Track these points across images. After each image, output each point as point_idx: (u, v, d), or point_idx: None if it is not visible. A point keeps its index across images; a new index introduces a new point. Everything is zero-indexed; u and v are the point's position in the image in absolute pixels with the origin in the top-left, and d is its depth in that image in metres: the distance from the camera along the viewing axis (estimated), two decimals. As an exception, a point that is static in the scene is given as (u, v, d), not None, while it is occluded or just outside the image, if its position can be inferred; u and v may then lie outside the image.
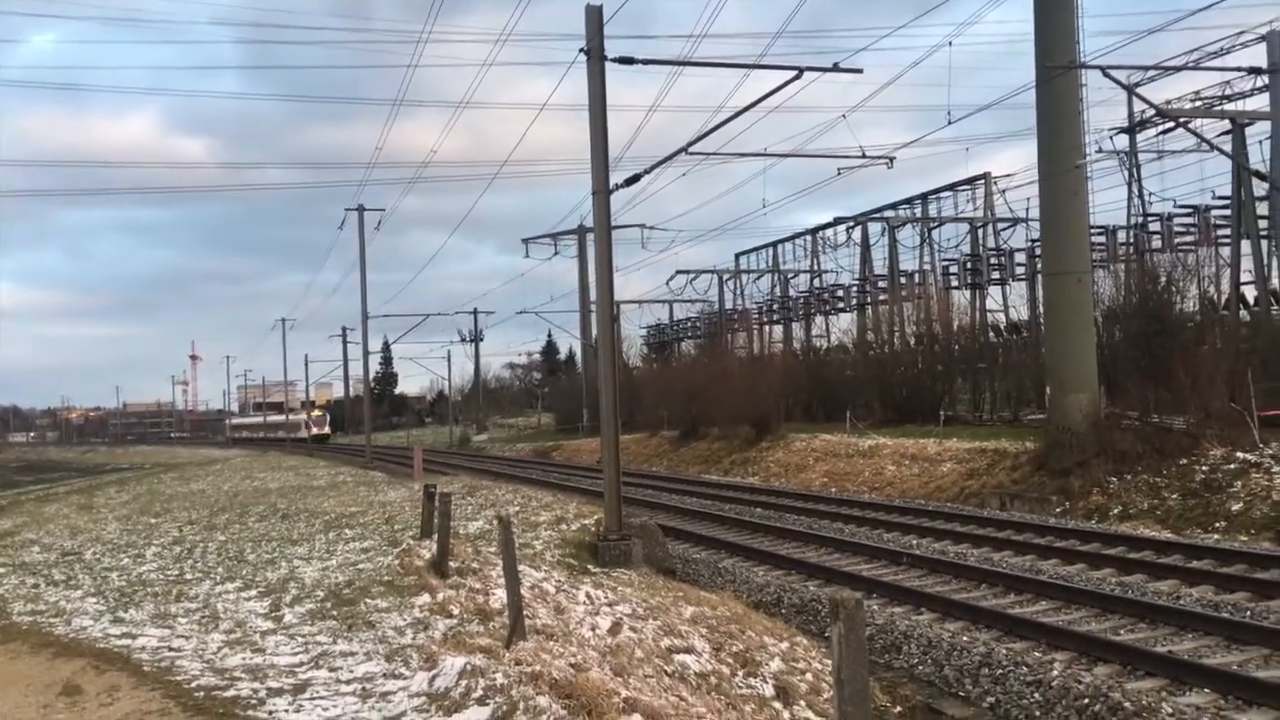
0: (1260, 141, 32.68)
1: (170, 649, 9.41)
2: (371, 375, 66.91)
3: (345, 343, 68.18)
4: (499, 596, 10.69)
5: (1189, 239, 41.25)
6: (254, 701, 7.58)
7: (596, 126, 16.80)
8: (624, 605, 12.00)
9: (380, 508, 22.75)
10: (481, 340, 74.08)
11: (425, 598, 11.29)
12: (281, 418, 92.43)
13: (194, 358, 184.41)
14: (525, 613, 9.68)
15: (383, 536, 17.42)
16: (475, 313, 71.53)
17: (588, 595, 12.26)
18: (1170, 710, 8.40)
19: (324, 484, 33.29)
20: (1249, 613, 11.62)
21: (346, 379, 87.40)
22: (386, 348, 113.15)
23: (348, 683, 8.08)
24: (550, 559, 15.27)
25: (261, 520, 21.83)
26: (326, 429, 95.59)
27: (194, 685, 8.01)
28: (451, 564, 13.04)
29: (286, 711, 7.31)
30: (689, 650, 10.34)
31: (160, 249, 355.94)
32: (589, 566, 15.29)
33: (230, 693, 7.85)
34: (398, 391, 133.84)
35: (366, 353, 49.42)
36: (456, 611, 10.60)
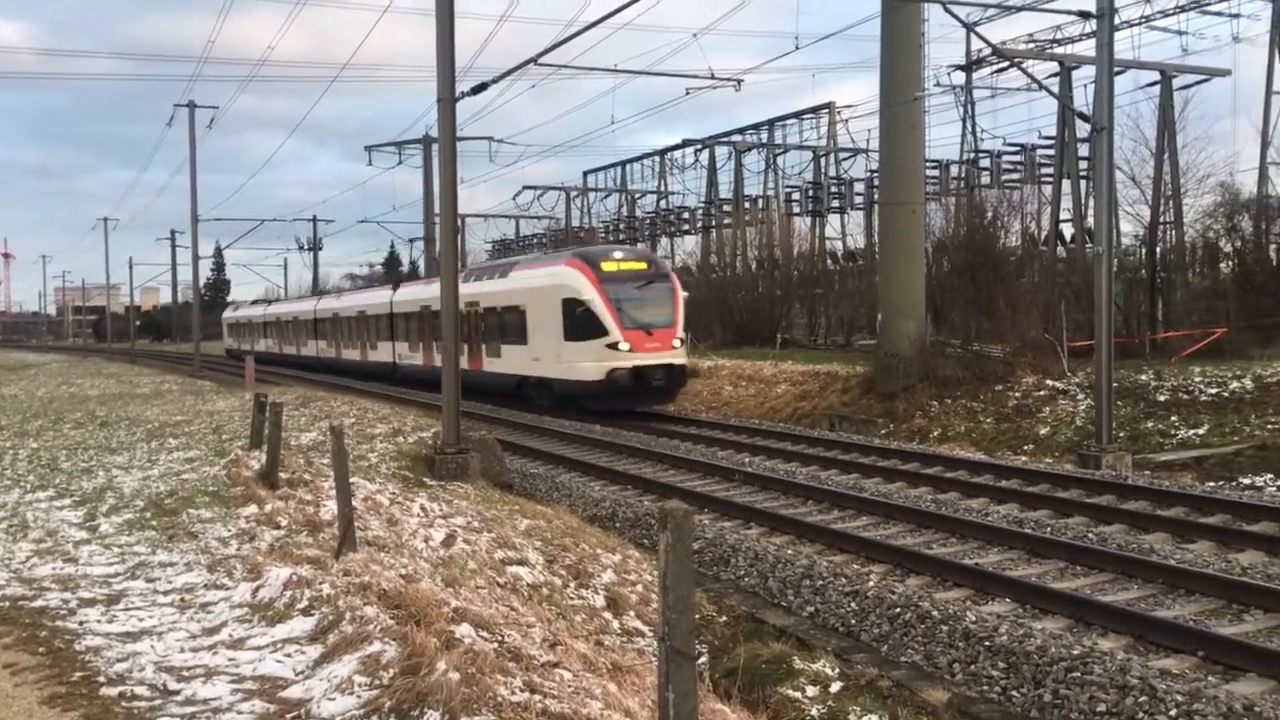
0: (1085, 85, 34.26)
1: (-27, 559, 8.94)
2: (202, 281, 64.09)
3: (174, 246, 64.85)
4: (330, 508, 10.53)
5: (1015, 176, 43.07)
6: (64, 612, 7.30)
7: (443, 29, 16.26)
8: (459, 518, 11.98)
9: (208, 417, 22.02)
10: (320, 249, 71.61)
11: (253, 508, 11.03)
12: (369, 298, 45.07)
13: (6, 255, 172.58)
14: (357, 524, 9.55)
15: (209, 446, 16.89)
16: (314, 220, 68.86)
17: (422, 508, 12.19)
18: (974, 618, 8.93)
19: (148, 392, 31.95)
20: (1049, 529, 12.41)
21: (175, 284, 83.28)
22: (219, 253, 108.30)
23: (166, 593, 7.85)
24: (385, 471, 15.09)
25: (78, 428, 20.84)
26: None
27: (-2, 596, 7.65)
28: (282, 475, 12.75)
29: (99, 622, 7.06)
30: (522, 562, 10.42)
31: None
32: (425, 479, 15.18)
33: (38, 603, 7.54)
34: (230, 299, 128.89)
35: (196, 257, 47.30)
36: (285, 523, 10.39)
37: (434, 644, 5.80)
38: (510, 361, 29.18)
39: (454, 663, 5.45)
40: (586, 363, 25.09)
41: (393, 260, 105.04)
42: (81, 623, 7.03)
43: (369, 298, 45.00)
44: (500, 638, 6.29)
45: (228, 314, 74.71)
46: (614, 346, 24.84)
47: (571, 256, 27.49)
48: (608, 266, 26.02)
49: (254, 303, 72.71)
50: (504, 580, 9.64)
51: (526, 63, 17.65)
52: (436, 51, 16.34)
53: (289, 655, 6.25)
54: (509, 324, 29.30)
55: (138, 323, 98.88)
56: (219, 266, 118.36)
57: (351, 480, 10.65)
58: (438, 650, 5.70)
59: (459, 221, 36.08)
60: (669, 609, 4.14)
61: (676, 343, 25.71)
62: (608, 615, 9.70)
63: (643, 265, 26.94)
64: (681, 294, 26.83)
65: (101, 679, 5.89)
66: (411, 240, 65.53)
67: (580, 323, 25.37)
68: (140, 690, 5.73)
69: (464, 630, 6.21)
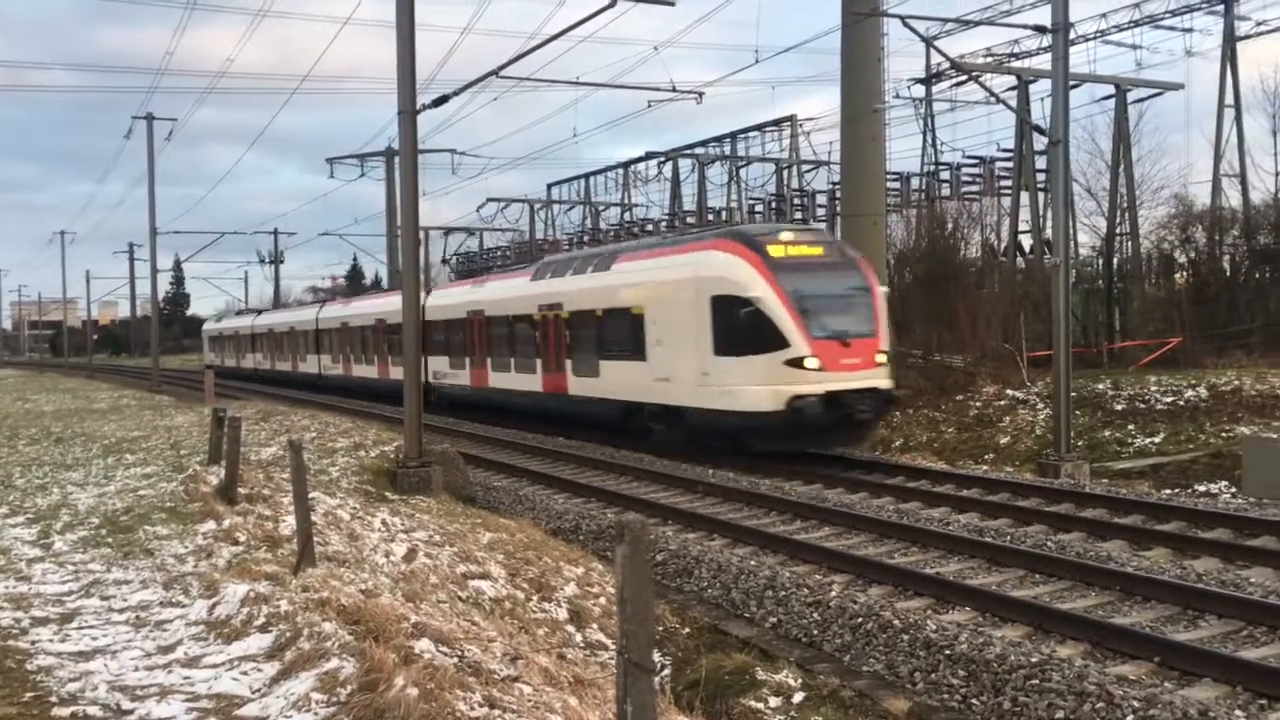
0: (1042, 99, 34.72)
1: (-78, 579, 8.77)
2: (161, 295, 63.29)
3: (132, 259, 64.18)
4: (289, 523, 10.43)
5: (975, 188, 43.54)
6: (15, 631, 7.17)
7: (404, 41, 16.23)
8: (421, 532, 11.92)
9: (166, 432, 21.76)
10: (282, 262, 71.08)
11: (210, 524, 10.90)
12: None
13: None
14: (317, 540, 9.47)
15: (167, 462, 16.68)
16: (275, 233, 68.28)
17: (384, 522, 12.11)
18: (935, 627, 8.98)
19: (105, 407, 31.54)
20: (1009, 537, 12.51)
21: (133, 298, 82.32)
22: (178, 266, 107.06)
23: (121, 611, 7.74)
24: (346, 485, 14.99)
25: (33, 444, 20.52)
26: None
27: (-53, 616, 7.50)
28: (241, 490, 12.62)
29: (51, 641, 6.95)
30: (485, 576, 10.38)
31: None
32: (387, 493, 15.09)
33: (-11, 623, 7.39)
34: (190, 313, 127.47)
35: (155, 270, 46.74)
36: (243, 538, 10.28)
37: (393, 660, 5.75)
38: (615, 383, 21.95)
39: (413, 678, 5.42)
40: (753, 387, 18.11)
41: (355, 273, 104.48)
42: (34, 642, 6.92)
43: (380, 304, 37.64)
44: (460, 653, 6.26)
45: (210, 326, 67.97)
46: (797, 364, 17.90)
47: (722, 237, 20.24)
48: (777, 251, 18.83)
49: (240, 313, 66.86)
50: (466, 594, 9.60)
51: (488, 75, 17.66)
52: (397, 64, 16.30)
53: (245, 673, 6.18)
54: (614, 332, 22.01)
55: (95, 337, 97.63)
56: (178, 280, 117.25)
57: (312, 495, 10.57)
58: (396, 666, 5.66)
59: (422, 234, 35.66)
60: (627, 621, 4.13)
61: (881, 358, 18.89)
62: (571, 628, 9.68)
63: (820, 249, 19.64)
64: (881, 290, 19.74)
65: (53, 699, 5.79)
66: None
67: (743, 330, 18.34)
68: (93, 710, 5.64)
69: (424, 645, 6.17)
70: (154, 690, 5.98)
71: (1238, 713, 7.18)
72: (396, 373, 31.39)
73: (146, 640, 7.00)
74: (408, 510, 13.52)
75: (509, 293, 27.84)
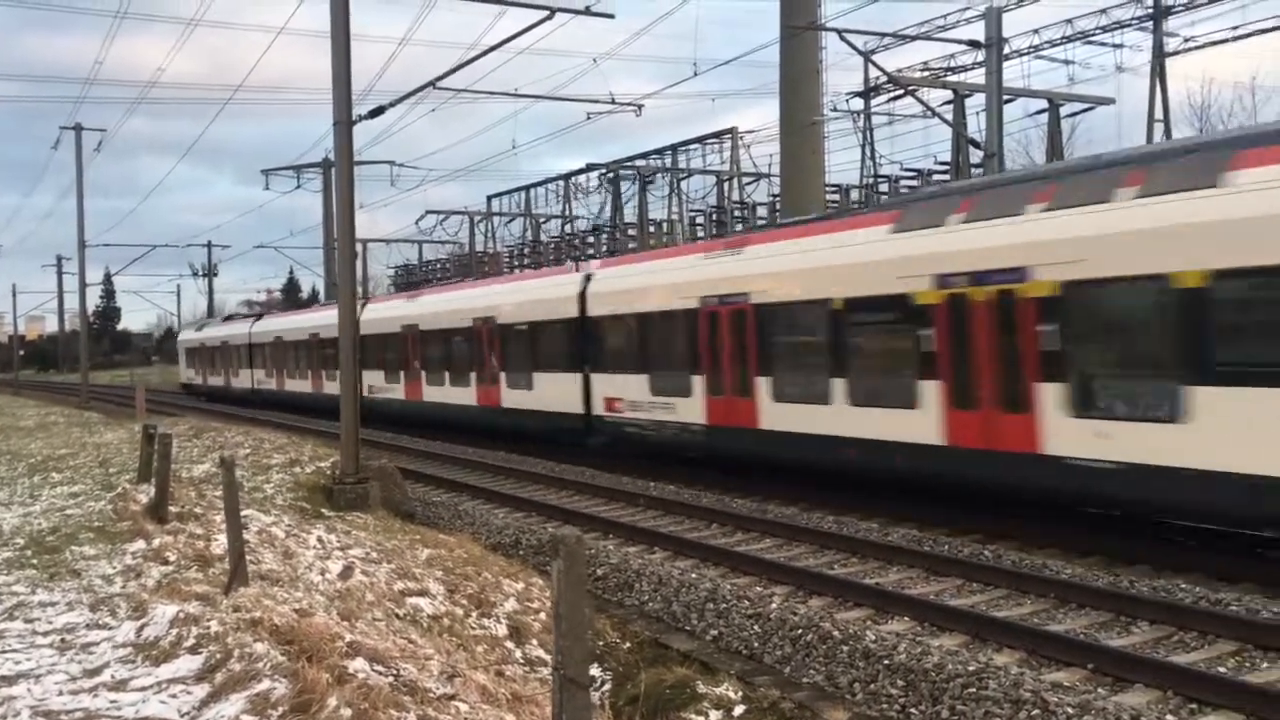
0: (978, 112, 35.27)
1: None
2: (91, 309, 61.94)
3: (60, 273, 62.66)
4: (221, 542, 10.21)
5: (913, 201, 44.04)
6: (-68, 658, 6.92)
7: (339, 51, 16.08)
8: (357, 549, 11.74)
9: (95, 450, 21.27)
10: (216, 275, 70.00)
11: (140, 544, 10.66)
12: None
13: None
14: (250, 558, 9.29)
15: (96, 480, 16.31)
16: (209, 245, 67.26)
17: (319, 539, 11.91)
18: (874, 637, 9.02)
19: (32, 425, 30.79)
20: (947, 546, 12.63)
21: (61, 312, 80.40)
22: (108, 279, 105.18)
23: (45, 634, 7.53)
24: (281, 503, 14.74)
25: (-45, 463, 19.93)
26: None
27: None
28: (172, 509, 12.36)
29: (-30, 668, 6.71)
30: (423, 593, 10.24)
31: None
32: (323, 510, 14.87)
33: (-96, 650, 7.14)
34: (121, 327, 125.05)
35: (84, 284, 45.79)
36: (174, 558, 10.06)
37: (326, 680, 5.64)
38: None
39: (346, 698, 5.31)
40: None
41: (292, 286, 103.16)
42: (-49, 669, 6.68)
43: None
44: (396, 671, 6.15)
45: (187, 336, 56.24)
46: None
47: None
48: None
49: (229, 318, 56.55)
50: (403, 612, 9.46)
51: (425, 86, 17.53)
52: (332, 73, 16.13)
53: (174, 696, 6.02)
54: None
55: (22, 352, 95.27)
56: (109, 294, 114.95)
57: (245, 513, 10.38)
58: (330, 686, 5.55)
59: (360, 246, 34.93)
60: (562, 637, 4.09)
61: None
62: (510, 645, 9.59)
63: None
64: None
65: (-30, 728, 5.59)
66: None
67: None
68: (12, 738, 5.46)
69: (358, 665, 6.06)
70: (79, 715, 5.80)
71: (1169, 717, 7.30)
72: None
73: (72, 663, 6.81)
74: (344, 527, 13.32)
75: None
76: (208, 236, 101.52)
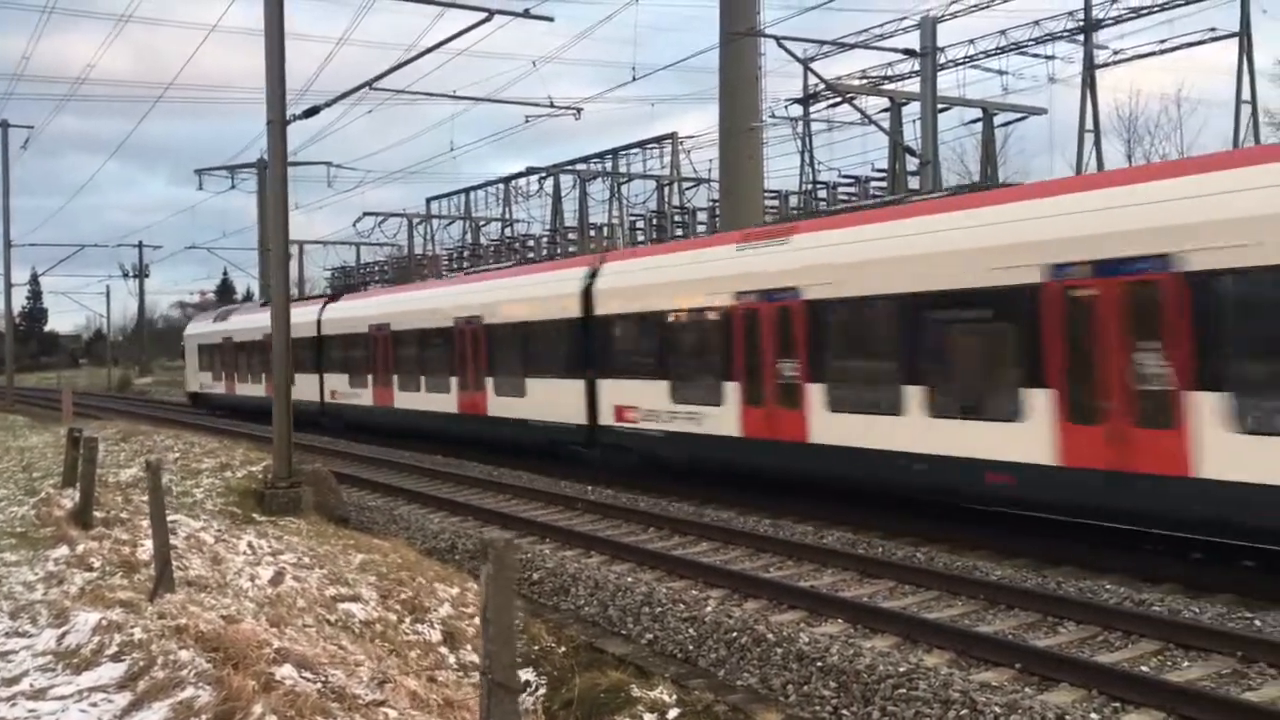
0: (914, 120, 35.77)
1: None
2: (16, 310, 60.52)
3: (-15, 273, 60.94)
4: (148, 548, 10.00)
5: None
6: None
7: (273, 49, 15.86)
8: (289, 554, 11.57)
9: (18, 454, 20.75)
10: (147, 276, 68.89)
11: (63, 550, 10.41)
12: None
13: None
14: (177, 564, 9.12)
15: (18, 485, 15.90)
16: (140, 245, 66.07)
17: (250, 545, 11.71)
18: (807, 639, 9.09)
19: (-47, 428, 29.87)
20: (881, 549, 12.77)
21: (-14, 313, 78.33)
22: (35, 280, 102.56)
23: (-40, 644, 7.30)
24: (211, 507, 14.49)
25: None
26: None
27: None
28: (97, 514, 12.10)
29: (-121, 679, 6.51)
30: (355, 599, 10.12)
31: None
32: (254, 515, 14.63)
33: None
34: (48, 329, 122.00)
35: (9, 284, 44.86)
36: (98, 564, 9.84)
37: (252, 687, 5.55)
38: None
39: (272, 705, 5.24)
40: None
41: (226, 288, 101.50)
42: None
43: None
44: (325, 678, 6.07)
45: (195, 328, 45.21)
46: None
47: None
48: None
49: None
50: (335, 618, 9.34)
51: (362, 86, 17.37)
52: (266, 72, 15.91)
53: (95, 704, 5.90)
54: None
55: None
56: (35, 295, 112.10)
57: (174, 518, 10.18)
58: (256, 693, 5.46)
59: (296, 248, 34.21)
60: (490, 641, 4.06)
61: None
62: (444, 650, 9.50)
63: None
64: None
65: (-122, 741, 5.42)
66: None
67: None
68: (-77, 751, 5.30)
69: (286, 671, 5.97)
70: (-8, 727, 5.65)
71: (1093, 715, 7.44)
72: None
73: (-13, 674, 6.62)
74: (276, 532, 13.12)
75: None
76: (139, 237, 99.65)
